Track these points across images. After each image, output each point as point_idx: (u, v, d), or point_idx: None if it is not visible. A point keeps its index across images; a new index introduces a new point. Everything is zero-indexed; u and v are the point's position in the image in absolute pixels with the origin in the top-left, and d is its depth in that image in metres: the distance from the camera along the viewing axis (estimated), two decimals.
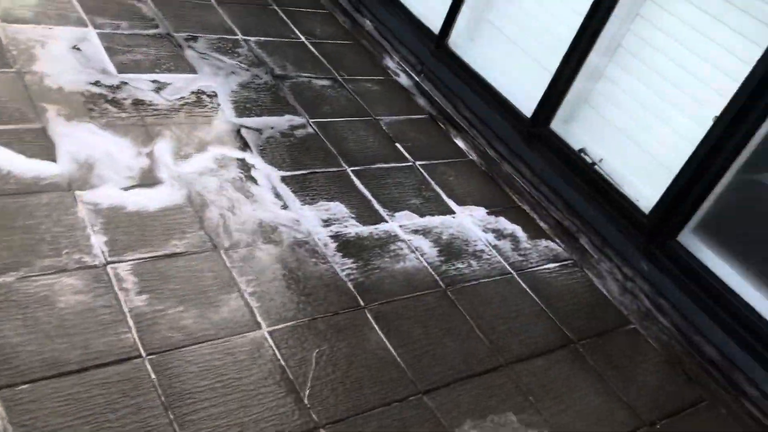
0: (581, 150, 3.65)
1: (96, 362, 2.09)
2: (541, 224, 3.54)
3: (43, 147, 2.76)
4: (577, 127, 3.75)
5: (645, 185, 3.40)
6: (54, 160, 2.72)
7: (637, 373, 2.87)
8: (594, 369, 2.80)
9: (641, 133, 3.47)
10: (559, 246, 3.44)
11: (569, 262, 3.36)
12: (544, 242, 3.43)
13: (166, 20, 3.93)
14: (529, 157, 3.80)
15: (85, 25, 3.59)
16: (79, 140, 2.85)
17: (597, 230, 3.47)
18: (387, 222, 3.13)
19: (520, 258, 3.25)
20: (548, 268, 3.26)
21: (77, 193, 2.62)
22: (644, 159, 3.45)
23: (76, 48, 3.38)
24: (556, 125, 3.76)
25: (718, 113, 3.04)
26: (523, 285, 3.09)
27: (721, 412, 2.83)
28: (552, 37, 3.81)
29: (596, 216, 3.48)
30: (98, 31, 3.59)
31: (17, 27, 3.36)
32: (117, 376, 2.08)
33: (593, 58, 3.58)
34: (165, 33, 3.81)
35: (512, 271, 3.15)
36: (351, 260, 2.84)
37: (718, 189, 3.13)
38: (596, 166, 3.57)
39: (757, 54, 2.90)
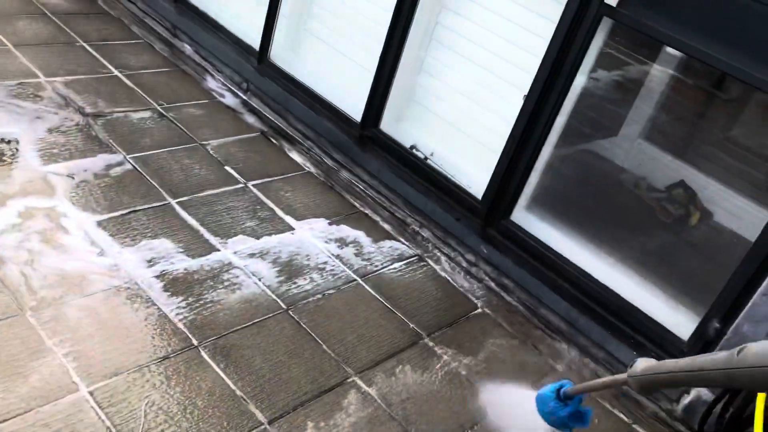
0: (412, 146, 3.66)
1: None
2: (384, 225, 3.51)
3: None
4: (407, 124, 3.76)
5: (475, 171, 3.45)
6: None
7: (489, 355, 2.88)
8: (445, 361, 2.78)
9: (465, 121, 3.52)
10: (404, 244, 3.42)
11: (414, 258, 3.35)
12: (388, 243, 3.40)
13: None
14: (365, 161, 3.78)
15: None
16: None
17: (437, 222, 3.49)
18: (219, 251, 2.99)
19: (365, 263, 3.20)
20: (394, 268, 3.23)
21: None
22: (471, 146, 3.50)
23: None
24: (387, 125, 3.76)
25: (526, 91, 3.13)
26: (370, 290, 3.04)
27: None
28: (368, 37, 3.81)
29: (434, 209, 3.50)
30: None
31: None
32: None
33: (410, 53, 3.60)
34: None
35: (357, 278, 3.09)
36: (180, 298, 2.67)
37: (541, 163, 3.22)
38: (428, 160, 3.59)
39: (551, 29, 3.00)
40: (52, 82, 3.80)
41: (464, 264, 3.35)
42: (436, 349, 2.84)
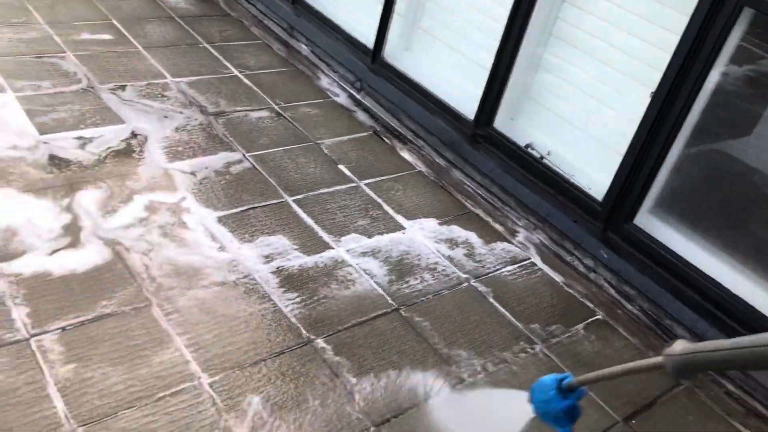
0: (528, 145, 3.55)
1: None
2: (496, 226, 3.43)
3: None
4: (522, 123, 3.65)
5: (595, 172, 3.30)
6: None
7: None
8: (561, 369, 2.67)
9: (585, 120, 3.38)
10: (517, 246, 3.32)
11: (528, 261, 3.24)
12: (500, 245, 3.31)
13: (90, 73, 3.83)
14: (477, 160, 3.70)
15: (3, 91, 3.48)
16: None
17: (553, 224, 3.36)
18: (333, 248, 3.01)
19: (476, 264, 3.13)
20: (507, 271, 3.14)
21: None
22: (591, 145, 3.35)
23: None
24: (501, 123, 3.67)
25: (654, 88, 2.96)
26: (482, 292, 2.97)
27: (701, 397, 2.70)
28: (484, 34, 3.73)
29: (550, 210, 3.38)
30: (18, 94, 3.48)
31: None
32: None
33: (527, 50, 3.49)
34: (89, 87, 3.71)
35: (469, 280, 3.03)
36: (295, 294, 2.71)
37: (667, 164, 3.03)
38: (544, 160, 3.47)
39: (684, 22, 2.81)
40: (177, 83, 3.97)
41: (581, 269, 3.21)
42: (552, 356, 2.73)
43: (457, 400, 2.43)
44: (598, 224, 3.20)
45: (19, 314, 2.34)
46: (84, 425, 2.05)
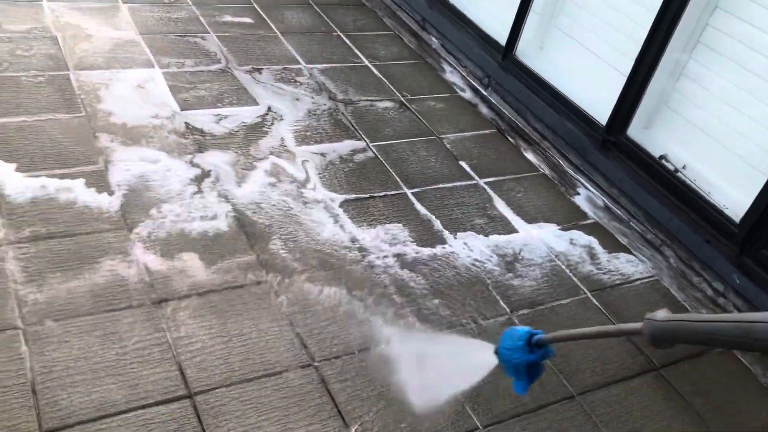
0: (662, 156, 3.37)
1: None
2: (620, 238, 3.29)
3: (105, 183, 2.83)
4: (657, 132, 3.48)
5: (734, 190, 3.09)
6: (111, 193, 2.78)
7: (730, 400, 2.57)
8: (680, 396, 2.53)
9: (728, 134, 3.17)
10: (640, 260, 3.17)
11: (651, 277, 3.09)
12: (623, 256, 3.18)
13: (230, 54, 4.00)
14: (605, 168, 3.56)
15: (152, 66, 3.70)
16: (135, 171, 2.91)
17: (682, 242, 3.19)
18: (448, 244, 3.00)
19: (595, 275, 3.02)
20: (627, 285, 3.01)
21: (134, 230, 2.66)
22: (732, 161, 3.14)
23: (140, 87, 3.49)
24: (634, 131, 3.51)
25: None
26: (598, 304, 2.87)
27: None
28: (625, 38, 3.58)
29: (680, 227, 3.20)
30: (164, 70, 3.69)
31: (88, 73, 3.51)
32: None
33: (670, 56, 3.31)
34: (228, 67, 3.87)
35: (585, 290, 2.93)
36: (412, 283, 2.73)
37: None
38: (679, 173, 3.29)
39: None
40: (310, 69, 4.08)
41: (709, 292, 3.03)
42: (671, 382, 2.59)
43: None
44: (732, 247, 3.00)
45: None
46: (200, 393, 2.15)
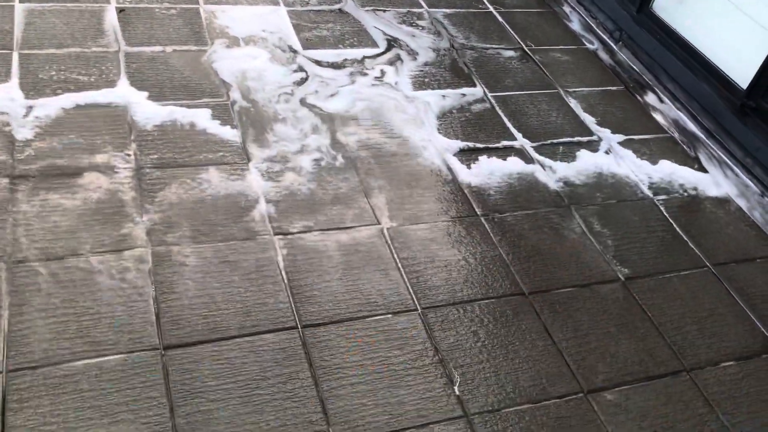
0: None
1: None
2: (755, 214, 3.07)
3: (228, 116, 2.92)
4: None
5: None
6: (234, 126, 2.86)
7: None
8: None
9: None
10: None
11: None
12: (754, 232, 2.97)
13: None
14: (742, 135, 3.31)
15: (278, 4, 3.73)
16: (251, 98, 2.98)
17: None
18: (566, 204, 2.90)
19: None
20: (756, 263, 2.82)
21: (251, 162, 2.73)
22: None
23: (265, 27, 3.53)
24: None
25: None
26: (722, 281, 2.70)
27: None
28: None
29: None
30: (288, 8, 3.72)
31: (216, 7, 3.59)
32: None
33: None
34: (350, 7, 3.85)
35: (709, 265, 2.76)
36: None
37: None
38: None
39: None
40: (433, 12, 3.99)
41: None
42: None
43: None
44: None
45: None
46: (308, 327, 2.22)
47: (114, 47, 3.16)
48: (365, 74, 3.36)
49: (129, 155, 2.63)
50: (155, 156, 2.66)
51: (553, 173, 3.04)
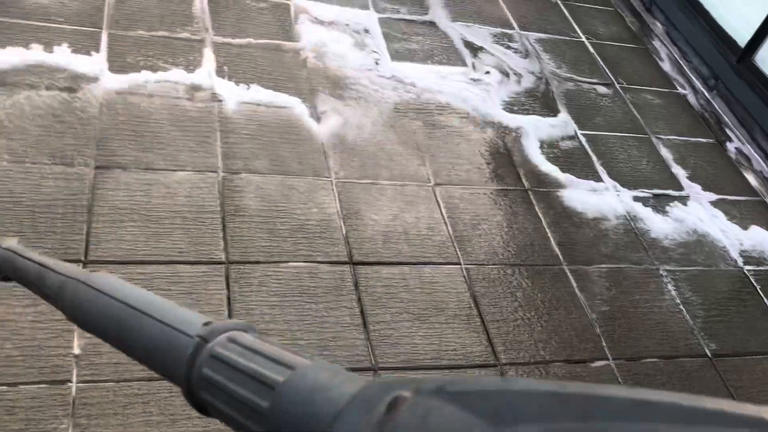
0: None
1: None
2: None
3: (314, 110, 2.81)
4: None
5: None
6: (319, 120, 2.76)
7: None
8: None
9: None
10: None
11: None
12: None
13: (444, 9, 3.83)
14: None
15: (368, 8, 3.61)
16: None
17: None
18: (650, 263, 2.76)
19: None
20: None
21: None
22: None
23: (356, 33, 3.42)
24: None
25: None
26: None
27: None
28: None
29: None
30: (380, 15, 3.59)
31: (307, 3, 3.47)
32: None
33: None
34: (440, 21, 3.71)
35: None
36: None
37: None
38: None
39: None
40: (523, 36, 3.84)
41: None
42: None
43: None
44: None
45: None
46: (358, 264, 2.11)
47: (201, 35, 3.07)
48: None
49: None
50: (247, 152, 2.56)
51: (641, 225, 2.90)
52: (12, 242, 0.94)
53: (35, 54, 2.67)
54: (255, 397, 0.46)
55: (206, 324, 0.54)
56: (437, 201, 2.67)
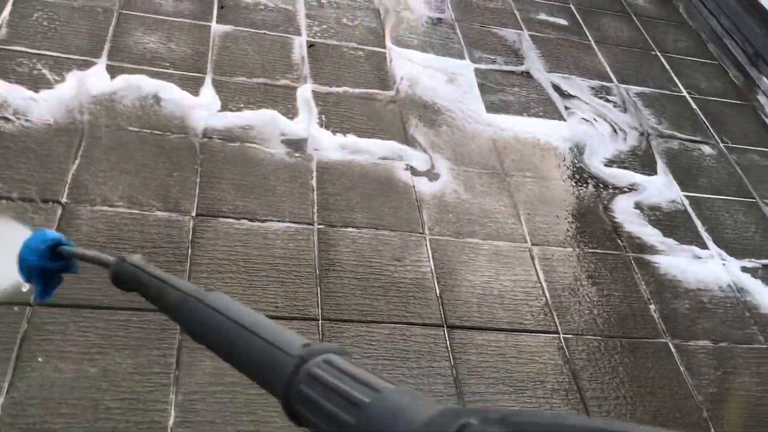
0: None
1: None
2: None
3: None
4: None
5: None
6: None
7: None
8: None
9: None
10: None
11: None
12: None
13: (541, 58, 3.76)
14: None
15: (463, 58, 3.58)
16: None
17: None
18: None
19: None
20: None
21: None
22: None
23: (450, 81, 3.39)
24: None
25: None
26: None
27: None
28: None
29: None
30: (476, 65, 3.55)
31: (403, 50, 3.47)
32: None
33: None
34: (536, 72, 3.65)
35: None
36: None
37: None
38: None
39: None
40: (622, 89, 3.73)
41: None
42: None
43: None
44: None
45: None
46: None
47: (300, 82, 3.10)
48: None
49: None
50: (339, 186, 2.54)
51: (749, 298, 2.72)
52: (137, 258, 1.06)
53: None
54: (343, 413, 0.53)
55: (305, 345, 0.63)
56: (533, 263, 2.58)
